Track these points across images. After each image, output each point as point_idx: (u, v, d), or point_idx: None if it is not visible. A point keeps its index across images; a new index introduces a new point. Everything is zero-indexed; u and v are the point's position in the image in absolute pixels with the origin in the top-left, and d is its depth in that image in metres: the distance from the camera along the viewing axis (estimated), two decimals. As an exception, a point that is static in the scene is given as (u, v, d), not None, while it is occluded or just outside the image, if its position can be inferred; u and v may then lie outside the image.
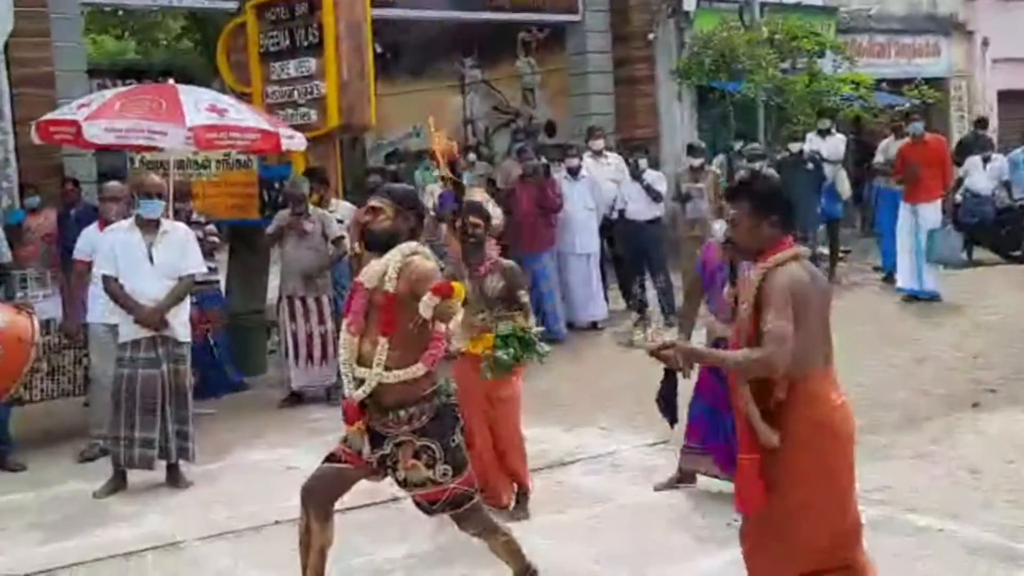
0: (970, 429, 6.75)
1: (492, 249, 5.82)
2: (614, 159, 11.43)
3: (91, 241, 6.93)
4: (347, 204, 8.93)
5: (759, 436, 3.48)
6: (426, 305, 3.82)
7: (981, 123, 15.81)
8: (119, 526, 5.66)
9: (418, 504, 4.21)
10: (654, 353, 3.59)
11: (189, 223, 7.57)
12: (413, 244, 4.07)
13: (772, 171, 9.77)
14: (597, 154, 11.31)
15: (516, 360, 5.38)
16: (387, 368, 3.98)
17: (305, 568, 4.18)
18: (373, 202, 4.13)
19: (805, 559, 3.57)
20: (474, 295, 5.37)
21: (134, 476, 6.29)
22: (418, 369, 4.01)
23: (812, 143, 12.43)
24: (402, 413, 4.03)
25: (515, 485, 5.74)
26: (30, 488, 6.38)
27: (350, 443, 4.12)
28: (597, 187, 10.70)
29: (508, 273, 5.61)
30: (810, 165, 11.73)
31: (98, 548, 5.32)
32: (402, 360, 4.00)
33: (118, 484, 6.24)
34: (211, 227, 8.25)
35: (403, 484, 4.14)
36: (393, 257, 4.02)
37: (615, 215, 10.92)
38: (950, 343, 8.89)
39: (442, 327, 4.05)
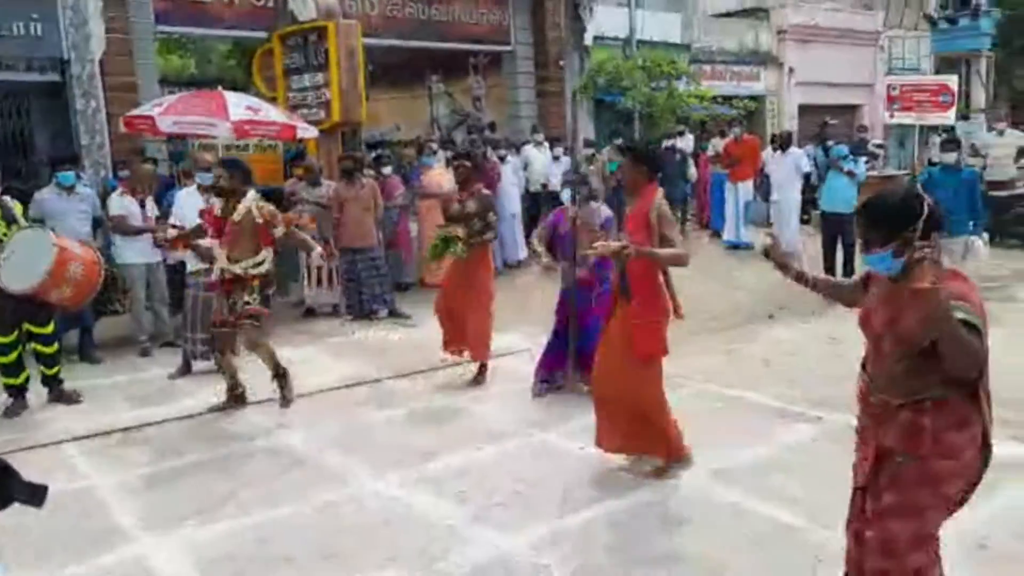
0: (764, 334, 6.87)
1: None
2: (558, 151, 11.17)
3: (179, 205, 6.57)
4: (329, 182, 8.23)
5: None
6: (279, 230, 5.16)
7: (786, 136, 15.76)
8: (187, 398, 5.71)
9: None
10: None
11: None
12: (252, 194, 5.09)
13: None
14: (539, 144, 11.22)
15: (440, 252, 5.61)
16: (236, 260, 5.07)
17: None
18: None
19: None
20: (459, 212, 5.62)
21: (196, 364, 6.27)
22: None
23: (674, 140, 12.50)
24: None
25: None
26: (118, 373, 6.35)
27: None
28: (519, 168, 10.67)
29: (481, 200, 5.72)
30: (678, 156, 11.89)
31: (173, 412, 5.38)
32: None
33: (186, 370, 6.26)
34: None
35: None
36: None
37: (539, 187, 11.00)
38: (755, 278, 8.66)
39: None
